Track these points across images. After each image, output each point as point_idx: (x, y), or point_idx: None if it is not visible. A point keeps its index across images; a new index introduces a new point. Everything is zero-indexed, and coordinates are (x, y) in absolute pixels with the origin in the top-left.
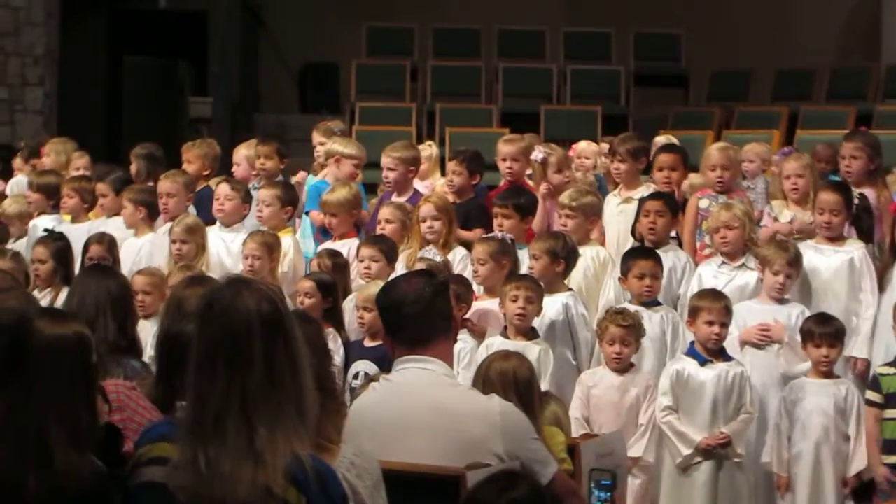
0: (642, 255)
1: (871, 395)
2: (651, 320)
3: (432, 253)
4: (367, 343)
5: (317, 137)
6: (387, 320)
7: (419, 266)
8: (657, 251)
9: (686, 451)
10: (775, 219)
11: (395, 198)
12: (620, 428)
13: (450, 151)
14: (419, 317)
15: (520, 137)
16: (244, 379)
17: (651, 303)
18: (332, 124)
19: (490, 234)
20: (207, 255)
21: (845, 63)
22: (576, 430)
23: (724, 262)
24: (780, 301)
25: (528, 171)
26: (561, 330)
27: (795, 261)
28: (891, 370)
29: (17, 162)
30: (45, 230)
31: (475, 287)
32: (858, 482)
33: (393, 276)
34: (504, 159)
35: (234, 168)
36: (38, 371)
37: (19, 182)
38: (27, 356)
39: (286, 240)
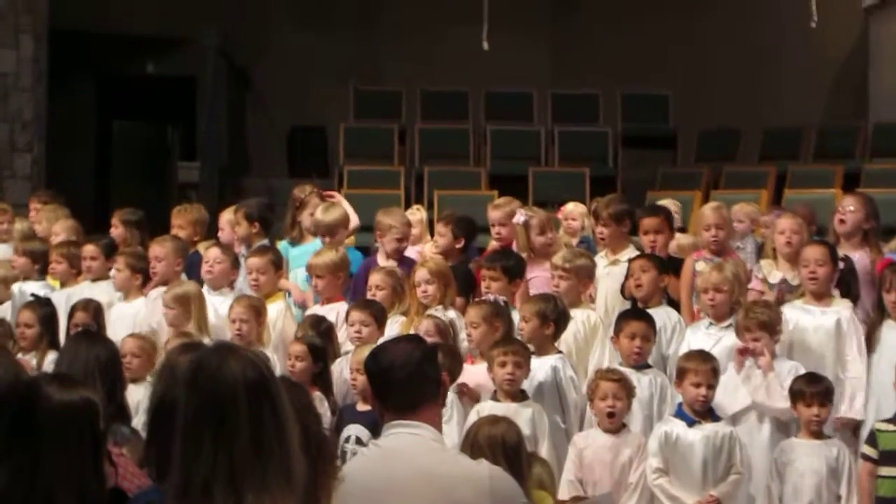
0: (635, 316)
1: (867, 449)
2: (640, 383)
3: (440, 311)
4: (360, 407)
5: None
6: (376, 385)
7: (425, 323)
8: (648, 310)
9: None
10: (763, 280)
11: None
12: (612, 489)
13: (438, 214)
14: (408, 382)
15: (507, 202)
16: (231, 445)
17: (640, 366)
18: (299, 190)
19: (483, 298)
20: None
21: (833, 122)
22: (569, 493)
23: (711, 324)
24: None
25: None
26: (549, 392)
27: (768, 325)
28: (890, 427)
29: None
30: (33, 295)
31: (467, 348)
32: None
33: (381, 340)
34: (493, 224)
35: (220, 233)
36: (47, 436)
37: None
38: (35, 421)
39: (278, 305)
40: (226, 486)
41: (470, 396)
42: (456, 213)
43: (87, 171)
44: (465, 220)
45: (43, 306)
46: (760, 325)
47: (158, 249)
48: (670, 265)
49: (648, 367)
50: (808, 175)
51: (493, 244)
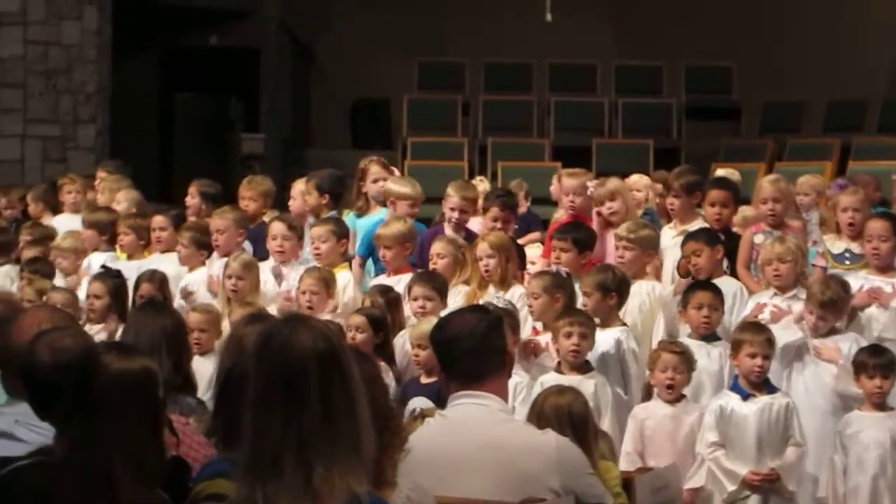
0: (702, 287)
1: None
2: (710, 356)
3: (495, 297)
4: (424, 380)
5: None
6: (441, 356)
7: None
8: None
9: (731, 487)
10: (825, 252)
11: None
12: (675, 459)
13: (501, 185)
14: (474, 352)
15: (583, 171)
16: (301, 416)
17: (710, 337)
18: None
19: (545, 269)
20: (260, 292)
21: None
22: (629, 465)
23: (775, 294)
24: (829, 333)
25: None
26: (613, 364)
27: (830, 302)
28: None
29: (66, 198)
30: (103, 266)
31: (532, 322)
32: None
33: (445, 311)
34: (567, 193)
35: (291, 202)
36: (105, 405)
37: (69, 219)
38: (94, 391)
39: (344, 275)
40: (295, 457)
41: (535, 353)
42: (495, 191)
43: (151, 143)
44: (505, 195)
45: (113, 277)
46: (822, 302)
47: (220, 222)
48: (727, 239)
49: (718, 339)
50: (873, 147)
51: (558, 214)
